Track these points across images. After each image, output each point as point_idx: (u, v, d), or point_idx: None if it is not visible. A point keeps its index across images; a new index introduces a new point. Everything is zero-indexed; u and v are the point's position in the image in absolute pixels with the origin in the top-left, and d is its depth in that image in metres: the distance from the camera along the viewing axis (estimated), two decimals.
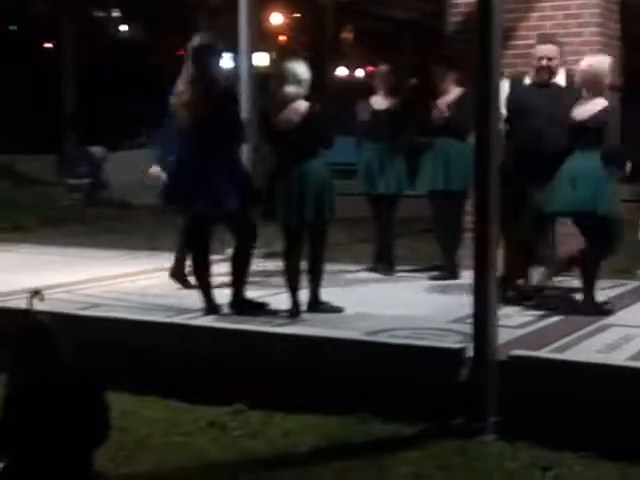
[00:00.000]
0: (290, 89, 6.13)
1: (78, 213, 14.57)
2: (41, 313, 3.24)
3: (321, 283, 6.34)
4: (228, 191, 6.09)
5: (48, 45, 26.59)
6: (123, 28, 29.05)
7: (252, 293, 6.60)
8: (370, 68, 25.80)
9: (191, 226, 6.50)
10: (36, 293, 3.28)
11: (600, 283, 6.67)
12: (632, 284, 7.03)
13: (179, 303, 6.53)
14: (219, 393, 5.25)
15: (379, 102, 7.90)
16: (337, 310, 6.26)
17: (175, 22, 23.87)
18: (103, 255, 9.11)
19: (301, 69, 6.20)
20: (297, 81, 6.15)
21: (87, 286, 7.24)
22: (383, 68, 8.15)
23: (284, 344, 5.40)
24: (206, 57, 6.23)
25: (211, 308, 6.23)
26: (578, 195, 5.90)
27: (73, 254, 9.14)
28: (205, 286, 6.29)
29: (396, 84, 8.09)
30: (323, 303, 6.33)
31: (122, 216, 14.12)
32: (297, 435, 4.83)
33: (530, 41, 7.51)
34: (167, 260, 7.80)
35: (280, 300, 6.38)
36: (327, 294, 6.38)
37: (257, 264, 8.18)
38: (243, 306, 6.28)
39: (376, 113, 7.84)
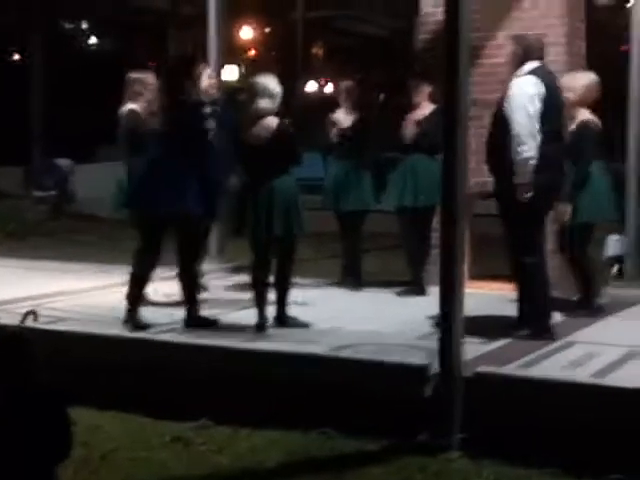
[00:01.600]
0: (261, 104, 6.14)
1: (44, 226, 14.47)
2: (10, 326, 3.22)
3: (289, 298, 6.34)
4: (190, 197, 6.07)
5: (16, 57, 26.44)
6: (93, 40, 28.95)
7: (219, 309, 6.58)
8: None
9: (148, 233, 6.40)
10: (30, 312, 3.26)
11: (565, 301, 6.74)
12: (597, 302, 7.07)
13: (145, 318, 6.48)
14: (185, 408, 5.22)
15: (343, 118, 7.93)
16: (304, 325, 6.26)
17: (145, 34, 23.86)
18: (70, 268, 9.04)
19: (272, 84, 6.22)
20: (268, 96, 6.16)
21: (53, 300, 7.17)
22: (347, 83, 8.17)
23: (250, 359, 5.39)
24: (176, 69, 6.27)
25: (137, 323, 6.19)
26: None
27: (39, 267, 9.07)
28: (135, 298, 6.24)
29: (360, 99, 8.09)
30: (290, 318, 6.33)
31: (89, 229, 14.04)
32: (262, 451, 4.82)
33: (497, 59, 7.59)
34: None
35: (247, 315, 6.38)
36: (294, 309, 6.38)
37: (225, 279, 8.21)
38: (197, 322, 6.26)
39: (340, 129, 7.86)
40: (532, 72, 5.87)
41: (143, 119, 7.05)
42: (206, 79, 7.11)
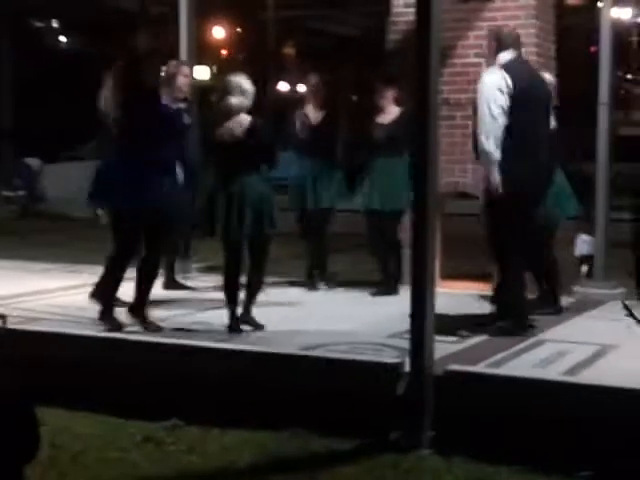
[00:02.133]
0: (234, 100, 6.13)
1: (14, 225, 14.36)
2: None
3: (256, 298, 6.31)
4: (152, 193, 6.05)
5: None
6: (62, 39, 28.76)
7: (190, 308, 6.56)
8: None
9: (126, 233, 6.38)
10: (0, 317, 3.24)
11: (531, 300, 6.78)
12: (566, 301, 7.12)
13: (118, 318, 6.45)
14: (155, 408, 5.20)
15: (311, 114, 7.90)
16: (259, 326, 6.23)
17: (115, 33, 23.71)
18: (39, 268, 8.98)
19: (245, 81, 6.22)
20: (241, 92, 6.15)
21: (22, 300, 7.13)
22: (312, 79, 8.11)
23: (221, 359, 5.38)
24: (136, 67, 6.27)
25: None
26: None
27: (8, 267, 9.00)
28: (110, 298, 6.22)
29: (327, 97, 8.03)
30: (250, 317, 6.29)
31: (59, 229, 13.96)
32: (234, 450, 4.81)
33: (468, 59, 7.63)
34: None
35: (218, 315, 6.36)
36: (263, 309, 6.36)
37: (197, 279, 8.19)
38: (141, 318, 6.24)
39: (308, 126, 7.82)
40: (501, 65, 5.87)
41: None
42: (181, 77, 7.11)
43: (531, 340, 5.87)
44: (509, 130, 5.78)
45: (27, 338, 5.73)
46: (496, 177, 5.79)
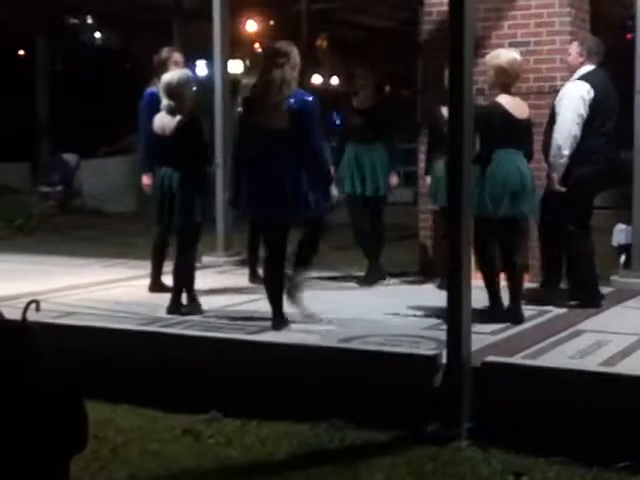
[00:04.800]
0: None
1: (51, 221, 14.49)
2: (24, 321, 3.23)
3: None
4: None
5: (21, 52, 26.44)
6: (97, 35, 28.93)
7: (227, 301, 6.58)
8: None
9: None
10: (31, 302, 3.27)
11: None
12: (606, 290, 7.07)
13: (152, 311, 6.51)
14: (194, 401, 5.24)
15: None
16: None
17: (149, 28, 23.81)
18: (76, 263, 9.07)
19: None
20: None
21: (60, 294, 7.20)
22: (360, 71, 8.09)
23: (258, 351, 5.40)
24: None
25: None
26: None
27: (46, 262, 9.10)
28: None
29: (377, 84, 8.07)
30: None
31: (95, 224, 14.07)
32: (272, 442, 4.83)
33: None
34: (140, 268, 7.80)
35: (254, 307, 6.39)
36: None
37: (234, 272, 8.22)
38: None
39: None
40: (584, 77, 6.39)
41: None
42: (172, 65, 7.10)
43: (569, 331, 5.84)
44: (582, 135, 6.31)
45: (67, 332, 5.78)
46: (558, 177, 6.31)
